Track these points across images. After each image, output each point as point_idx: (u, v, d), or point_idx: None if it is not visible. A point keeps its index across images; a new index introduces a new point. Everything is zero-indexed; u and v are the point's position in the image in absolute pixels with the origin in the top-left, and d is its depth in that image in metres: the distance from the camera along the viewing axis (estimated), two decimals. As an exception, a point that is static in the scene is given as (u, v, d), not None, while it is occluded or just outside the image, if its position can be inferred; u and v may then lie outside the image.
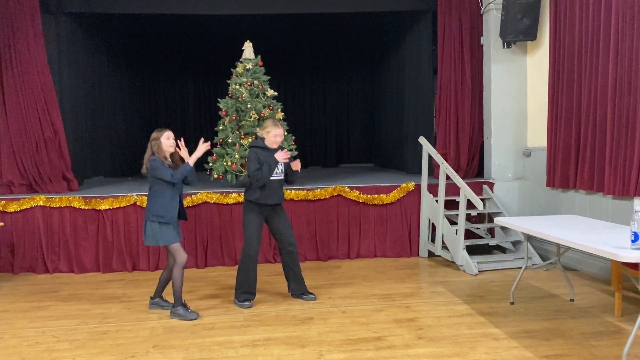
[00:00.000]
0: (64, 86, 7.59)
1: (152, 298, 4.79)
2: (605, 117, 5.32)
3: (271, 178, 4.70)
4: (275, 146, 4.81)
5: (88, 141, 8.66)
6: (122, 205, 6.27)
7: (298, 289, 4.94)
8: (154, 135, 4.54)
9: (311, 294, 4.94)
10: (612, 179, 5.21)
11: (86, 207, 6.24)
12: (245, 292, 4.79)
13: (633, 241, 3.12)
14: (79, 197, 6.30)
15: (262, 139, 4.82)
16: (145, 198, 6.24)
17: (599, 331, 3.90)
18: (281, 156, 4.63)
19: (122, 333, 4.14)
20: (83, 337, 4.07)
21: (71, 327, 4.31)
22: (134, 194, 6.36)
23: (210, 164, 7.05)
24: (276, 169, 4.72)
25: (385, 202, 6.64)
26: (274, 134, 4.77)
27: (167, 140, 4.52)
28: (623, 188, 5.06)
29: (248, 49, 7.31)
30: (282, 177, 4.83)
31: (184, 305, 4.51)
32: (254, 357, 3.57)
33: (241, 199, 6.39)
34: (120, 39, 10.33)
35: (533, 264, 5.82)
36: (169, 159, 4.59)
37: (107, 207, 6.25)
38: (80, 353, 3.74)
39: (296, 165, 4.81)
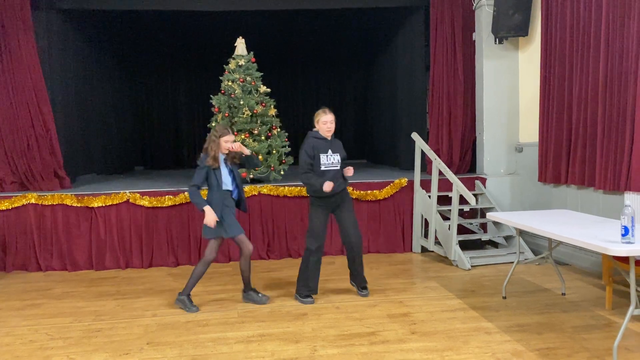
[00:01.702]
0: (56, 83, 7.55)
1: (243, 291, 4.83)
2: (596, 112, 5.36)
3: (325, 168, 4.58)
4: (327, 134, 4.65)
5: (80, 138, 8.63)
6: (114, 203, 6.25)
7: (356, 283, 4.90)
8: (216, 131, 4.56)
9: (365, 289, 4.86)
10: (603, 174, 5.25)
11: (79, 205, 6.22)
12: (306, 286, 4.71)
13: (623, 235, 3.15)
14: (72, 194, 6.27)
15: (317, 130, 4.69)
16: (138, 195, 6.27)
17: (590, 324, 3.94)
18: (327, 187, 4.44)
19: (115, 330, 4.14)
20: (76, 334, 4.06)
21: (64, 324, 4.30)
22: (127, 191, 6.34)
23: (203, 161, 7.03)
24: (332, 159, 4.61)
25: (378, 198, 6.66)
26: (322, 121, 4.65)
27: (224, 143, 4.53)
28: (613, 183, 5.10)
29: (240, 45, 7.29)
30: (338, 168, 4.65)
31: (189, 297, 4.60)
32: (248, 353, 3.58)
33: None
34: (113, 36, 10.28)
35: (525, 259, 5.87)
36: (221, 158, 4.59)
37: (100, 205, 6.23)
38: (74, 350, 3.74)
39: (348, 172, 4.64)
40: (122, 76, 11.15)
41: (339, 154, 4.69)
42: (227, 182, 4.59)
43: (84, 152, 8.77)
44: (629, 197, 4.79)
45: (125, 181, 8.52)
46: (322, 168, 4.61)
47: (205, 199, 4.59)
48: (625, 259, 3.88)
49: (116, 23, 9.85)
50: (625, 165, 4.91)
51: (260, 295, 4.77)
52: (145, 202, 6.28)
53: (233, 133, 6.84)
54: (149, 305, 4.76)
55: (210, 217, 4.45)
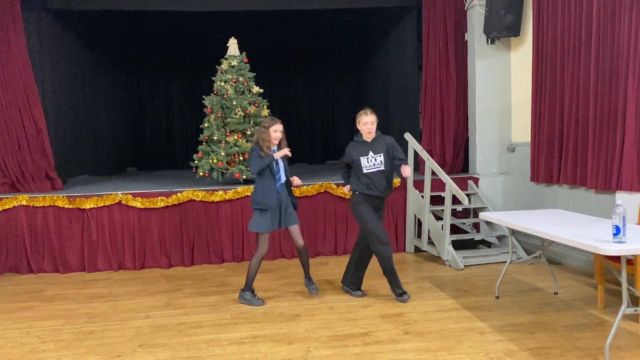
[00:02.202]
0: (47, 83, 7.50)
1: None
2: (588, 112, 5.38)
3: (370, 170, 4.54)
4: (368, 136, 4.57)
5: (72, 139, 8.58)
6: (107, 204, 6.22)
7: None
8: (265, 123, 4.62)
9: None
10: (595, 174, 5.28)
11: (70, 206, 6.18)
12: (397, 285, 4.66)
13: (615, 234, 3.16)
14: (63, 196, 6.23)
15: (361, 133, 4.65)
16: (130, 196, 6.24)
17: (582, 323, 3.95)
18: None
19: (108, 333, 4.11)
20: (68, 337, 4.03)
21: (56, 327, 4.27)
22: (119, 192, 6.31)
23: (196, 162, 7.01)
24: (374, 160, 4.54)
25: (371, 198, 6.65)
26: (363, 122, 4.59)
27: (274, 133, 4.57)
28: (605, 182, 5.13)
29: (233, 45, 7.28)
30: (383, 169, 4.56)
31: (252, 292, 4.72)
32: (241, 355, 3.57)
33: (227, 197, 6.37)
34: (104, 36, 10.24)
35: (518, 258, 5.89)
36: (273, 149, 4.63)
37: (92, 206, 6.19)
38: (66, 353, 3.71)
39: (405, 171, 4.45)
40: (114, 77, 11.10)
41: (383, 153, 4.57)
42: (281, 174, 4.63)
43: (75, 153, 8.73)
44: (620, 197, 4.82)
45: (118, 182, 8.48)
46: (365, 171, 4.56)
47: (255, 192, 4.61)
48: (616, 258, 3.90)
49: (108, 23, 9.80)
50: (616, 164, 4.94)
51: (312, 286, 4.80)
52: (137, 203, 6.25)
53: (226, 134, 6.86)
54: (141, 307, 4.73)
55: (283, 152, 4.57)
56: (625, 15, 4.82)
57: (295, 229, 4.69)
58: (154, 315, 4.50)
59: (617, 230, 3.14)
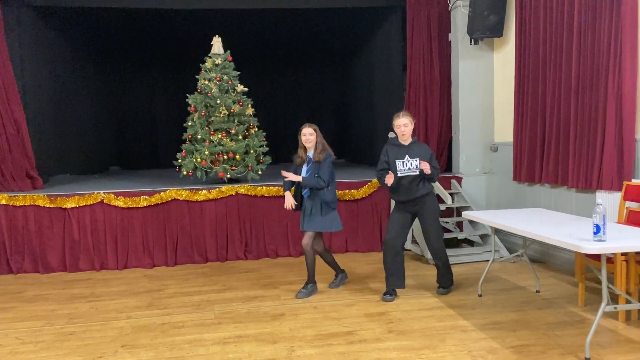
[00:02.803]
0: (27, 81, 7.39)
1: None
2: (569, 112, 5.45)
3: (402, 175, 4.53)
4: (403, 138, 4.56)
5: (53, 138, 8.46)
6: (89, 204, 6.15)
7: (439, 283, 4.87)
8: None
9: (441, 287, 4.82)
10: (576, 173, 5.35)
11: (51, 206, 6.10)
12: (387, 282, 4.72)
13: (595, 233, 3.20)
14: (44, 195, 6.14)
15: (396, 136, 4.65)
16: (113, 196, 6.17)
17: (563, 321, 4.00)
18: (389, 180, 4.44)
19: (89, 333, 4.06)
20: (49, 338, 3.97)
21: (36, 328, 4.21)
22: (101, 191, 6.24)
23: (180, 161, 6.96)
24: (409, 164, 4.51)
25: (356, 198, 6.68)
26: (396, 125, 4.56)
27: (302, 136, 4.76)
28: (586, 182, 5.19)
29: (217, 44, 7.24)
30: (417, 173, 4.53)
31: (314, 283, 4.93)
32: (224, 355, 3.55)
33: (211, 196, 6.34)
34: (87, 33, 10.11)
35: (500, 257, 5.94)
36: (305, 155, 4.81)
37: (74, 206, 6.12)
38: (46, 355, 3.66)
39: (423, 166, 4.48)
40: (97, 74, 10.97)
41: (418, 158, 4.53)
42: (307, 190, 4.78)
43: (57, 151, 8.61)
44: (601, 196, 4.88)
45: (100, 181, 8.39)
46: (398, 174, 4.55)
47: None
48: (597, 257, 3.95)
49: (91, 21, 9.69)
50: (597, 164, 5.01)
51: (334, 282, 5.04)
52: (120, 202, 6.18)
53: (210, 133, 6.82)
54: (124, 308, 4.69)
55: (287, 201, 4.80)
56: (606, 17, 4.89)
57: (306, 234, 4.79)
58: (137, 315, 4.46)
59: (597, 229, 3.19)
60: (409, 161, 4.55)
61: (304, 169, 4.76)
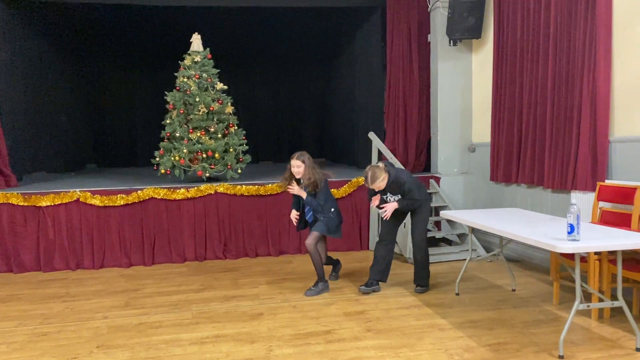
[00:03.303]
0: (1, 76, 7.22)
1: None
2: (545, 114, 5.54)
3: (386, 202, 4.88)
4: (379, 190, 4.83)
5: (28, 134, 8.28)
6: (64, 202, 6.04)
7: (414, 280, 4.97)
8: None
9: (418, 286, 4.92)
10: (551, 174, 5.44)
11: (25, 204, 5.98)
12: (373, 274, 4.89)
13: (569, 233, 3.26)
14: (18, 193, 6.02)
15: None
16: (89, 194, 6.08)
17: (538, 319, 4.06)
18: (374, 202, 4.93)
19: (64, 334, 3.99)
20: (22, 338, 3.90)
21: (9, 328, 4.12)
22: (77, 190, 6.14)
23: (157, 159, 6.88)
24: (391, 198, 4.83)
25: (336, 197, 6.67)
26: (370, 186, 4.78)
27: (291, 167, 4.89)
28: (561, 182, 5.29)
29: (196, 41, 7.17)
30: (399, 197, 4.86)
31: (325, 282, 4.96)
32: (202, 355, 3.52)
33: (190, 195, 6.29)
34: (64, 29, 9.93)
35: (477, 256, 6.00)
36: (297, 181, 4.94)
37: (48, 204, 6.01)
38: (19, 356, 3.58)
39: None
40: (73, 71, 10.78)
41: (400, 194, 4.81)
42: (310, 215, 5.04)
43: (31, 148, 8.43)
44: (575, 196, 4.97)
45: (76, 179, 8.26)
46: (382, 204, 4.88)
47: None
48: (571, 256, 4.02)
49: (68, 16, 9.51)
50: (572, 165, 5.10)
51: (313, 288, 4.93)
52: (96, 201, 6.10)
53: (189, 131, 6.75)
54: (99, 307, 4.62)
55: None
56: (581, 21, 4.98)
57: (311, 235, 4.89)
58: (113, 315, 4.40)
59: (572, 229, 3.24)
60: (391, 196, 4.85)
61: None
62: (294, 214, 5.06)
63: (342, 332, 3.87)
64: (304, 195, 4.87)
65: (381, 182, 4.68)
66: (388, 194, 4.83)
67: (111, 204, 6.13)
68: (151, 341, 3.79)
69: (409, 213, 4.99)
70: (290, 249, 6.65)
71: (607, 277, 4.00)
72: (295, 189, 4.86)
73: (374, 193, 4.91)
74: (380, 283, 4.95)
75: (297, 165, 4.84)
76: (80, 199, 6.07)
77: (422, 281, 4.91)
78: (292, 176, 4.91)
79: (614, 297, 3.90)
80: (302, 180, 4.86)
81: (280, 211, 6.58)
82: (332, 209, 4.91)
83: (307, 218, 5.06)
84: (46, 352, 3.63)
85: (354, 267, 5.92)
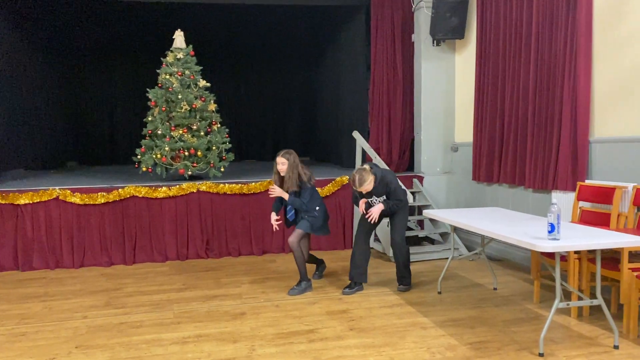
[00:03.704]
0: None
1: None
2: (527, 114, 5.59)
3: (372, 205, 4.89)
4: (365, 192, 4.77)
5: (5, 130, 8.12)
6: (43, 200, 5.94)
7: (397, 280, 4.98)
8: None
9: (401, 284, 4.94)
10: (533, 174, 5.50)
11: (3, 202, 5.87)
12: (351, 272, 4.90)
13: (550, 232, 3.29)
14: (-5, 191, 5.91)
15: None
16: (69, 192, 5.99)
17: (519, 318, 4.10)
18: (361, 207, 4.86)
19: (42, 334, 3.93)
20: (-2, 339, 3.83)
21: (-15, 329, 4.04)
22: (57, 187, 6.04)
23: (139, 157, 6.80)
24: (376, 201, 4.82)
25: (320, 196, 6.66)
26: (358, 188, 4.71)
27: (275, 164, 4.88)
28: (542, 182, 5.35)
29: (179, 38, 7.10)
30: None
31: (307, 281, 4.96)
32: (183, 354, 3.49)
33: (171, 193, 6.23)
34: (44, 24, 9.77)
35: (459, 255, 6.05)
36: (279, 180, 4.93)
37: (27, 202, 5.90)
38: (-5, 357, 3.52)
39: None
40: (54, 66, 10.61)
41: (384, 195, 4.83)
42: (292, 213, 5.03)
43: (9, 145, 8.26)
44: (556, 196, 5.03)
45: (56, 177, 8.12)
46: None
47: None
48: (551, 255, 4.06)
49: (47, 10, 9.36)
50: (552, 165, 5.15)
51: (296, 288, 4.90)
52: (76, 199, 6.00)
53: (170, 128, 6.69)
54: (79, 307, 4.55)
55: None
56: (562, 23, 5.03)
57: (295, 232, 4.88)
58: (93, 315, 4.34)
59: (552, 228, 3.28)
60: (376, 199, 4.84)
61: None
62: (274, 218, 5.02)
63: (325, 331, 3.86)
64: (286, 196, 4.84)
65: (368, 185, 4.65)
66: (374, 197, 4.82)
67: (91, 202, 6.05)
68: (132, 341, 3.75)
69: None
70: (273, 248, 6.63)
71: (586, 276, 4.06)
72: (276, 191, 4.83)
73: (359, 197, 4.88)
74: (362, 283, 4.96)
75: (282, 163, 4.82)
76: (60, 197, 5.98)
77: (405, 280, 4.93)
78: (279, 174, 4.87)
79: (593, 296, 3.96)
80: (285, 178, 4.84)
81: (264, 210, 6.55)
82: (317, 208, 4.90)
83: (288, 217, 5.04)
84: (24, 353, 3.56)
85: (338, 266, 5.92)
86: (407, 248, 4.96)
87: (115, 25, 10.84)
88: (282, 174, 4.85)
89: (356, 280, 4.88)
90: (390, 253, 6.08)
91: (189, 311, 4.40)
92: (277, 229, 5.05)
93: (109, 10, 9.66)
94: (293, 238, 4.80)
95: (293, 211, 4.98)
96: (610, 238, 3.37)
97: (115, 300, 4.74)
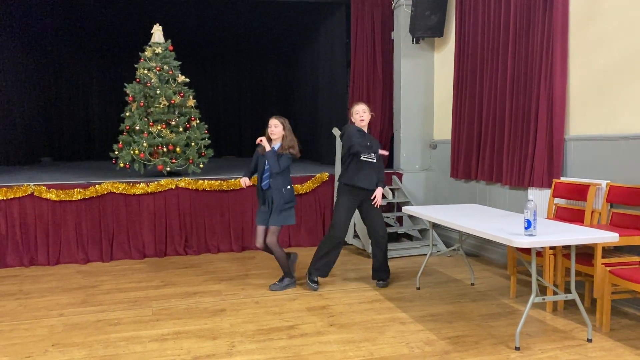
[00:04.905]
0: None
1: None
2: (504, 112, 5.68)
3: (365, 159, 4.72)
4: (362, 124, 4.81)
5: (-23, 126, 7.96)
6: (17, 196, 5.83)
7: (375, 276, 4.96)
8: None
9: (380, 280, 4.94)
10: (509, 171, 5.58)
11: (-25, 198, 5.74)
12: (319, 270, 4.83)
13: (526, 228, 3.35)
14: (-33, 186, 5.77)
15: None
16: (44, 188, 5.88)
17: (496, 312, 4.17)
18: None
19: (17, 332, 3.86)
20: (-29, 338, 3.75)
21: (-43, 328, 3.95)
22: (31, 183, 5.92)
23: (116, 152, 6.71)
24: (370, 150, 4.70)
25: (300, 192, 6.68)
26: (356, 111, 4.80)
27: (267, 127, 4.73)
28: (519, 179, 5.43)
29: (157, 32, 7.02)
30: (374, 161, 4.79)
31: (291, 277, 4.92)
32: (162, 352, 3.46)
33: (150, 190, 6.16)
34: (17, 16, 9.54)
35: (438, 251, 6.12)
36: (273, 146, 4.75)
37: (1, 198, 5.78)
38: (-32, 356, 3.45)
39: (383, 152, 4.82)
40: (27, 60, 10.39)
41: (375, 147, 4.79)
42: (266, 174, 4.71)
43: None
44: (532, 193, 5.12)
45: (30, 173, 7.97)
46: (362, 157, 4.74)
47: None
48: (527, 250, 4.14)
49: (21, 3, 9.15)
50: (529, 163, 5.24)
51: (277, 284, 4.88)
52: (52, 195, 5.90)
53: (149, 124, 6.61)
54: (55, 305, 4.48)
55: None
56: (539, 23, 5.11)
57: (269, 229, 4.74)
58: (69, 312, 4.28)
59: (529, 224, 3.34)
60: (370, 147, 4.78)
61: (266, 162, 4.70)
62: (245, 183, 4.88)
63: (305, 327, 3.87)
64: (268, 148, 4.66)
65: (368, 112, 4.82)
66: (367, 143, 4.74)
67: (67, 199, 5.95)
68: (109, 339, 3.70)
69: (363, 207, 4.92)
70: (252, 244, 6.60)
71: (561, 271, 4.14)
72: (263, 141, 4.68)
73: (362, 148, 4.70)
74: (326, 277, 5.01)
75: (275, 125, 4.68)
76: (35, 193, 5.87)
77: (384, 275, 4.96)
78: (269, 137, 4.74)
79: (567, 290, 4.05)
80: (278, 146, 4.70)
81: (243, 206, 6.53)
82: (288, 187, 4.75)
83: (262, 185, 4.74)
84: (-2, 352, 3.50)
85: (317, 262, 5.93)
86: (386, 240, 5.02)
87: (93, 18, 10.64)
88: (273, 137, 4.70)
89: (319, 275, 4.88)
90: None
91: (168, 308, 4.37)
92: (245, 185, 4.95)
93: (85, 2, 9.48)
94: (271, 238, 4.71)
95: (268, 180, 4.72)
96: (585, 234, 3.45)
97: (92, 298, 4.67)
